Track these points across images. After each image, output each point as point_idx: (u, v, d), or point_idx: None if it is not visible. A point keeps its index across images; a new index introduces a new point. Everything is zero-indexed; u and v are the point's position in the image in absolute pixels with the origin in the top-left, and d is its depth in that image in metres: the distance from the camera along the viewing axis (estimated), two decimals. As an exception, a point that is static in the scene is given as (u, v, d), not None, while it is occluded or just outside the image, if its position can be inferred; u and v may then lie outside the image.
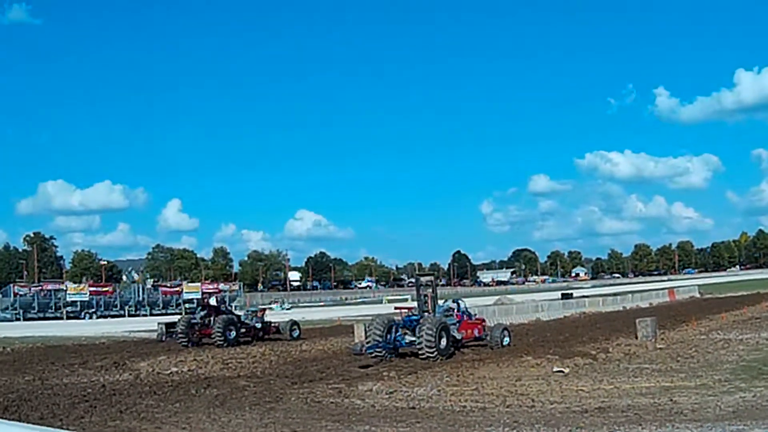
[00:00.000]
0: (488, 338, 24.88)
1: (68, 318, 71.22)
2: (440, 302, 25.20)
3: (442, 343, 21.99)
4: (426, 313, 23.41)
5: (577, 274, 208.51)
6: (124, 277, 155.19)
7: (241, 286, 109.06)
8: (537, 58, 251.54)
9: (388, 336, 22.69)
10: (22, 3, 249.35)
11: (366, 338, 23.41)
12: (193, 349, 28.68)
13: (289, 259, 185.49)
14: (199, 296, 72.86)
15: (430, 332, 21.62)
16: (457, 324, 24.13)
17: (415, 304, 25.30)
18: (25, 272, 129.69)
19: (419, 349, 21.74)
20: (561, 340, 26.70)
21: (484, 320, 26.92)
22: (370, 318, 27.75)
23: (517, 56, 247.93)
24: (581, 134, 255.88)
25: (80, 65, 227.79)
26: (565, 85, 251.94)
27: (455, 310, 24.89)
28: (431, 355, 21.44)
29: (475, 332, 24.98)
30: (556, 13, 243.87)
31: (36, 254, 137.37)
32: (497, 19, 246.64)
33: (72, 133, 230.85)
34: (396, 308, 28.09)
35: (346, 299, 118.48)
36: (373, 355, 22.04)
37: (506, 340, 24.97)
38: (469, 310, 26.33)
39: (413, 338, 22.29)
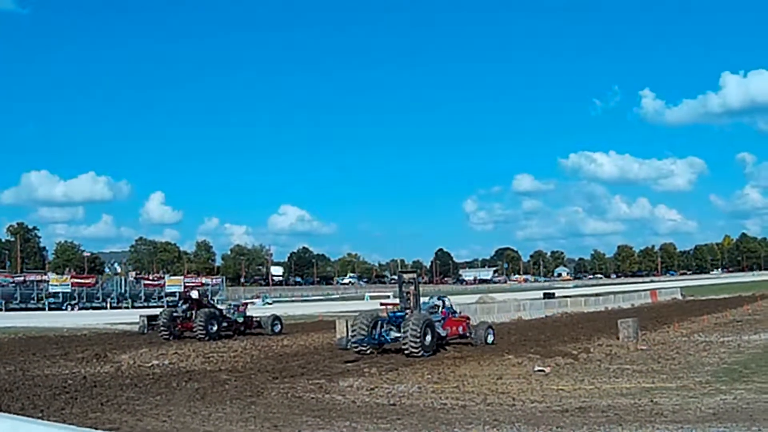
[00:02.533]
0: (472, 336, 24.96)
1: (50, 309, 70.52)
2: (426, 299, 25.26)
3: (427, 339, 22.03)
4: (409, 310, 23.43)
5: (560, 274, 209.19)
6: (107, 269, 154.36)
7: (224, 280, 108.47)
8: (523, 58, 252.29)
9: (374, 331, 22.72)
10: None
11: (351, 333, 23.40)
12: (174, 343, 28.63)
13: (271, 254, 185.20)
14: (182, 289, 72.65)
15: (416, 328, 21.65)
16: (442, 321, 24.19)
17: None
18: (8, 262, 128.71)
19: (404, 345, 21.78)
20: (542, 340, 26.78)
21: (468, 318, 27.01)
22: (352, 314, 27.73)
23: (503, 56, 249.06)
24: (566, 134, 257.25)
25: (66, 56, 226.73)
26: (551, 85, 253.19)
27: (440, 307, 24.95)
28: (416, 351, 21.47)
29: (460, 329, 25.06)
30: (542, 14, 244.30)
31: (19, 244, 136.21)
32: (483, 19, 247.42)
33: (57, 124, 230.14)
34: (381, 304, 28.13)
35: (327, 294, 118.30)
36: (357, 349, 22.05)
37: (490, 338, 25.08)
38: (453, 307, 26.40)
39: (398, 334, 22.32)
